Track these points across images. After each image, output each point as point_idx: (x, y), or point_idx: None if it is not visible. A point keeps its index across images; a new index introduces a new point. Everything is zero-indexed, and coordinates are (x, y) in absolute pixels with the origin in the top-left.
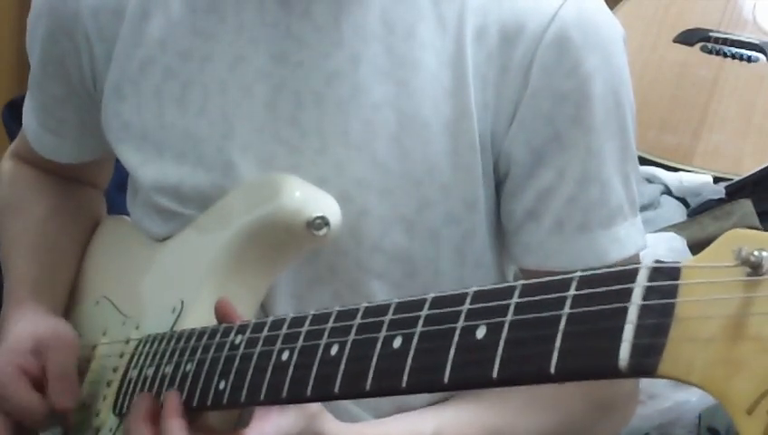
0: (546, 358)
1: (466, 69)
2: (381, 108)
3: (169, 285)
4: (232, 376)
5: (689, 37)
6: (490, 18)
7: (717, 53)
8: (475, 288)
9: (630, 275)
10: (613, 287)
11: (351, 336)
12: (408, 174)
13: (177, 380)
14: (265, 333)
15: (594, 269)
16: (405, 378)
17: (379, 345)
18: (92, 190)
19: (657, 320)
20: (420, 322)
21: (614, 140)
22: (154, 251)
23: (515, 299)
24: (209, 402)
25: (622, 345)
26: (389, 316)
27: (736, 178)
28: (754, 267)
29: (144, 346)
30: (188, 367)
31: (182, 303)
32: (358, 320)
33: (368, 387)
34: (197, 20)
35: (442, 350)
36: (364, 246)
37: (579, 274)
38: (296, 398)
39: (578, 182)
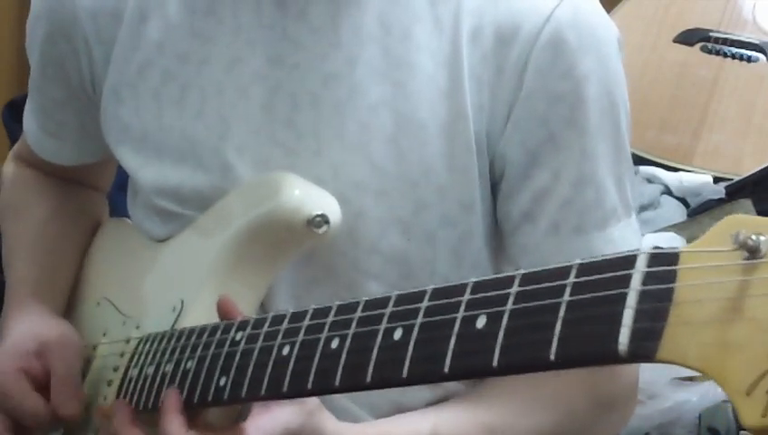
0: (546, 345)
1: (462, 70)
2: (378, 109)
3: (170, 285)
4: (233, 372)
5: (689, 37)
6: (485, 19)
7: (717, 53)
8: (474, 279)
9: (629, 262)
10: (612, 274)
11: (352, 329)
12: (404, 176)
13: (178, 377)
14: (266, 328)
15: (593, 257)
16: (406, 368)
17: (379, 337)
18: (94, 193)
19: (656, 305)
20: (420, 313)
21: (608, 141)
22: (154, 252)
23: (515, 288)
24: (210, 399)
25: (622, 330)
26: (390, 309)
27: (736, 178)
28: (752, 251)
29: (144, 345)
30: (189, 364)
31: (182, 302)
32: (358, 313)
33: (368, 379)
34: (195, 22)
35: (442, 340)
36: (361, 247)
37: (578, 261)
38: (297, 392)
39: (573, 184)
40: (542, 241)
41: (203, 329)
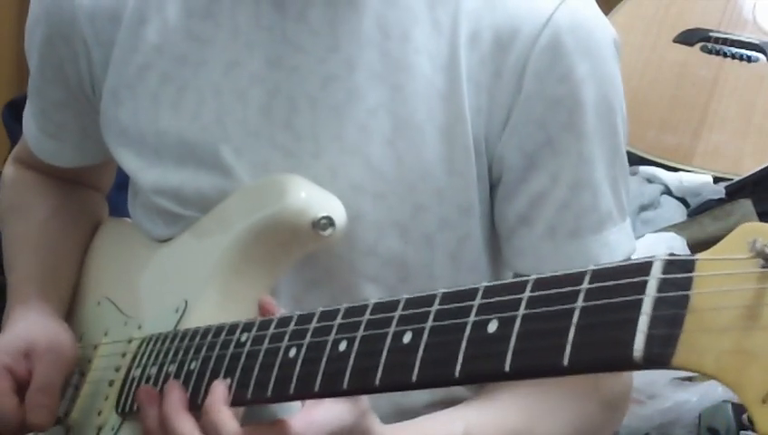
0: (559, 350)
1: (460, 73)
2: (376, 112)
3: (172, 286)
4: (238, 373)
5: (689, 37)
6: (484, 23)
7: (717, 53)
8: (485, 283)
9: (645, 268)
10: (627, 280)
11: (360, 332)
12: (402, 179)
13: (182, 378)
14: (272, 330)
15: (607, 263)
16: (415, 372)
17: (388, 340)
18: (94, 193)
19: (672, 311)
20: (431, 317)
21: (605, 145)
22: (156, 252)
23: (528, 293)
24: None
25: (637, 336)
26: (399, 312)
27: (736, 178)
28: None
29: (147, 345)
30: (193, 365)
31: (186, 302)
32: (366, 316)
33: (377, 382)
34: (193, 25)
35: (453, 344)
36: (358, 250)
37: (592, 267)
38: (303, 394)
39: (570, 188)
40: (539, 244)
41: (207, 330)
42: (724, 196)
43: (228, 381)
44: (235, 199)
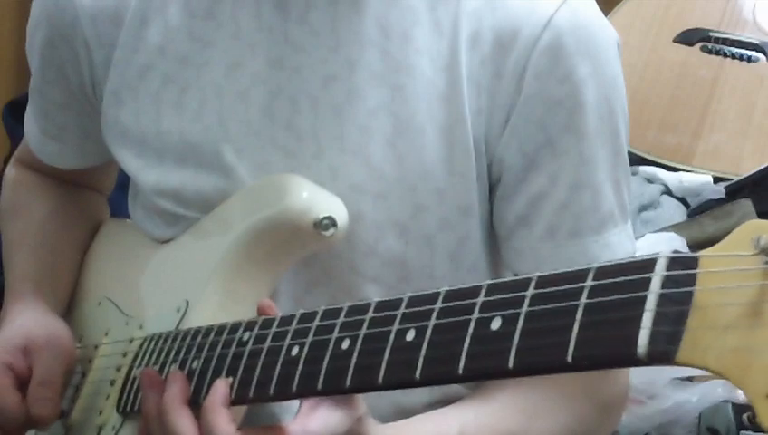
0: (563, 347)
1: (461, 74)
2: (377, 113)
3: (174, 286)
4: (240, 372)
5: (689, 37)
6: (485, 24)
7: (717, 53)
8: (489, 281)
9: (649, 265)
10: (631, 277)
11: (363, 330)
12: (402, 179)
13: (183, 372)
14: (274, 329)
15: (611, 260)
16: (418, 370)
17: (391, 338)
18: (95, 194)
19: (676, 308)
20: (434, 314)
21: (606, 146)
22: (157, 252)
23: (531, 291)
24: None
25: (641, 333)
26: (402, 310)
27: (736, 178)
28: None
29: (149, 345)
30: (195, 364)
31: (187, 302)
32: (369, 314)
33: (380, 380)
34: (195, 26)
35: (456, 341)
36: (358, 250)
37: (596, 265)
38: (306, 392)
39: (570, 188)
40: (538, 245)
41: (209, 329)
42: (724, 196)
43: (230, 380)
44: (237, 199)
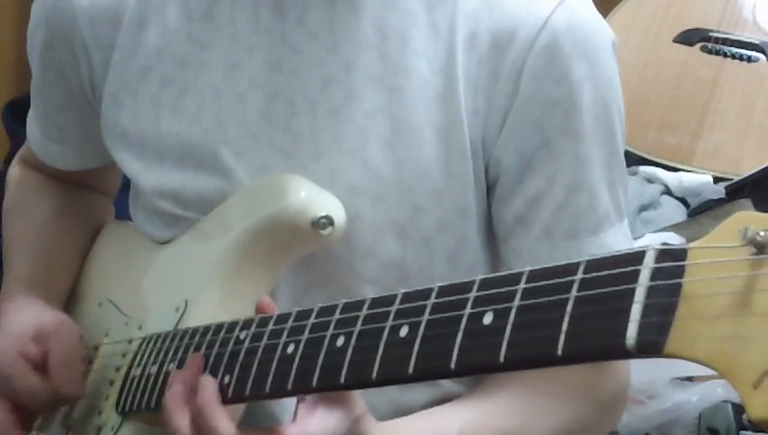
0: (553, 340)
1: (457, 76)
2: (374, 114)
3: (173, 286)
4: (237, 370)
5: (689, 37)
6: (482, 25)
7: (717, 53)
8: (481, 276)
9: (638, 258)
10: (620, 270)
11: (358, 327)
12: (400, 180)
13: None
14: (270, 327)
15: (601, 254)
16: (412, 365)
17: (385, 334)
18: (98, 196)
19: (665, 299)
20: (427, 310)
21: (602, 147)
22: (157, 253)
23: (522, 285)
24: None
25: (629, 325)
26: (396, 306)
27: (736, 178)
28: (760, 247)
29: (147, 345)
30: None
31: (186, 302)
32: (364, 311)
33: (374, 375)
34: (193, 28)
35: (449, 336)
36: (356, 251)
37: (586, 258)
38: (302, 389)
39: (567, 189)
40: (535, 246)
41: (207, 328)
42: (724, 196)
43: (216, 379)
44: (236, 200)
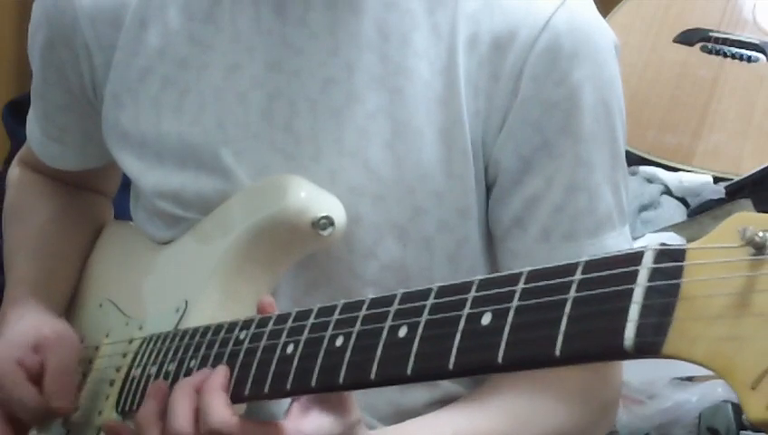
0: (551, 341)
1: (458, 77)
2: (375, 115)
3: (173, 286)
4: (236, 370)
5: (689, 37)
6: (483, 26)
7: (717, 53)
8: (480, 277)
9: (636, 258)
10: (619, 270)
11: (357, 327)
12: (401, 181)
13: (181, 376)
14: (270, 327)
15: (600, 254)
16: (410, 365)
17: (384, 335)
18: (98, 197)
19: (663, 300)
20: (426, 310)
21: (604, 148)
22: (157, 254)
23: (521, 285)
24: None
25: (627, 325)
26: (395, 307)
27: (736, 178)
28: (759, 247)
29: (147, 345)
30: (192, 363)
31: (186, 302)
32: (363, 311)
33: (373, 376)
34: (194, 29)
35: (447, 337)
36: (357, 253)
37: (585, 258)
38: (300, 389)
39: (566, 191)
40: (533, 247)
41: (206, 328)
42: (724, 196)
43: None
44: (236, 201)
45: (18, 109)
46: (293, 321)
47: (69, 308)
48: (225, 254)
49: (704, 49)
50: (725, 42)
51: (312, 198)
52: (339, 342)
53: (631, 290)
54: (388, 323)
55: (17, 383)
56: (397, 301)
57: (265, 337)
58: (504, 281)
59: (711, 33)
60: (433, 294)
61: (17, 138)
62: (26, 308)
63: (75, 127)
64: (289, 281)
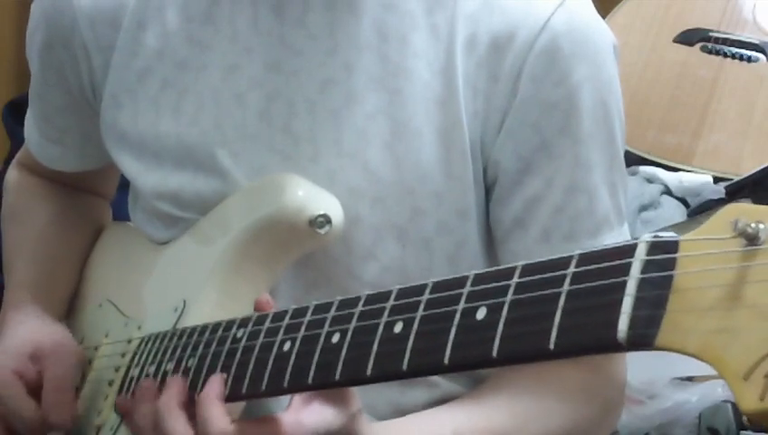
0: (546, 334)
1: (457, 78)
2: (374, 116)
3: (172, 286)
4: (234, 369)
5: (689, 37)
6: (481, 27)
7: (717, 53)
8: (475, 272)
9: (629, 250)
10: (612, 263)
11: (353, 323)
12: (400, 182)
13: (180, 375)
14: (267, 325)
15: (593, 247)
16: (406, 361)
17: (380, 331)
18: (97, 199)
19: (656, 292)
20: (421, 306)
21: (602, 149)
22: (156, 254)
23: (515, 279)
24: None
25: (621, 318)
26: (391, 302)
27: (736, 178)
28: (751, 239)
29: (146, 345)
30: (190, 362)
31: (184, 302)
32: (359, 308)
33: (369, 372)
34: (193, 30)
35: (442, 332)
36: (356, 254)
37: (578, 252)
38: (297, 387)
39: (565, 192)
40: (533, 248)
41: (204, 327)
42: (724, 196)
43: (225, 375)
44: (234, 200)
45: (18, 109)
46: (290, 318)
47: (69, 309)
48: (224, 253)
49: (704, 49)
50: (725, 42)
51: (310, 197)
52: (335, 338)
53: (624, 282)
54: (384, 319)
55: (17, 395)
56: (392, 297)
57: (262, 335)
58: (499, 275)
59: (711, 34)
60: (428, 290)
61: (17, 138)
62: (26, 313)
63: (74, 128)
64: (288, 282)
